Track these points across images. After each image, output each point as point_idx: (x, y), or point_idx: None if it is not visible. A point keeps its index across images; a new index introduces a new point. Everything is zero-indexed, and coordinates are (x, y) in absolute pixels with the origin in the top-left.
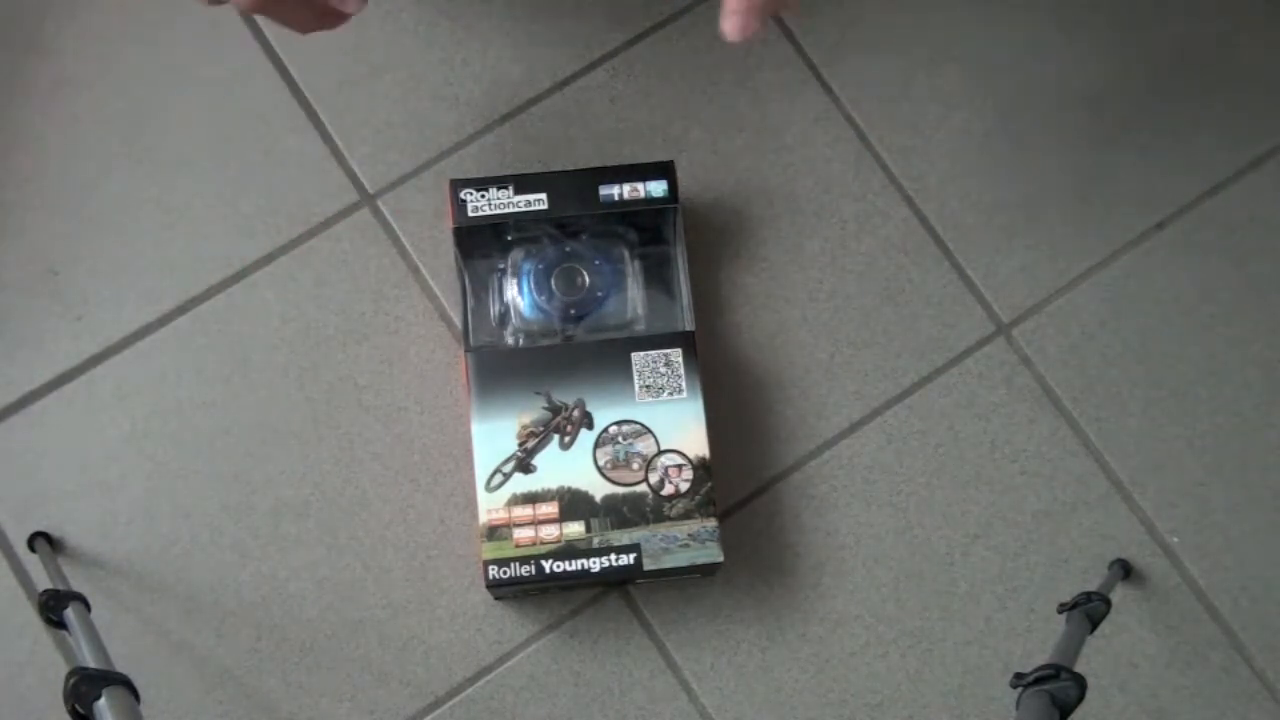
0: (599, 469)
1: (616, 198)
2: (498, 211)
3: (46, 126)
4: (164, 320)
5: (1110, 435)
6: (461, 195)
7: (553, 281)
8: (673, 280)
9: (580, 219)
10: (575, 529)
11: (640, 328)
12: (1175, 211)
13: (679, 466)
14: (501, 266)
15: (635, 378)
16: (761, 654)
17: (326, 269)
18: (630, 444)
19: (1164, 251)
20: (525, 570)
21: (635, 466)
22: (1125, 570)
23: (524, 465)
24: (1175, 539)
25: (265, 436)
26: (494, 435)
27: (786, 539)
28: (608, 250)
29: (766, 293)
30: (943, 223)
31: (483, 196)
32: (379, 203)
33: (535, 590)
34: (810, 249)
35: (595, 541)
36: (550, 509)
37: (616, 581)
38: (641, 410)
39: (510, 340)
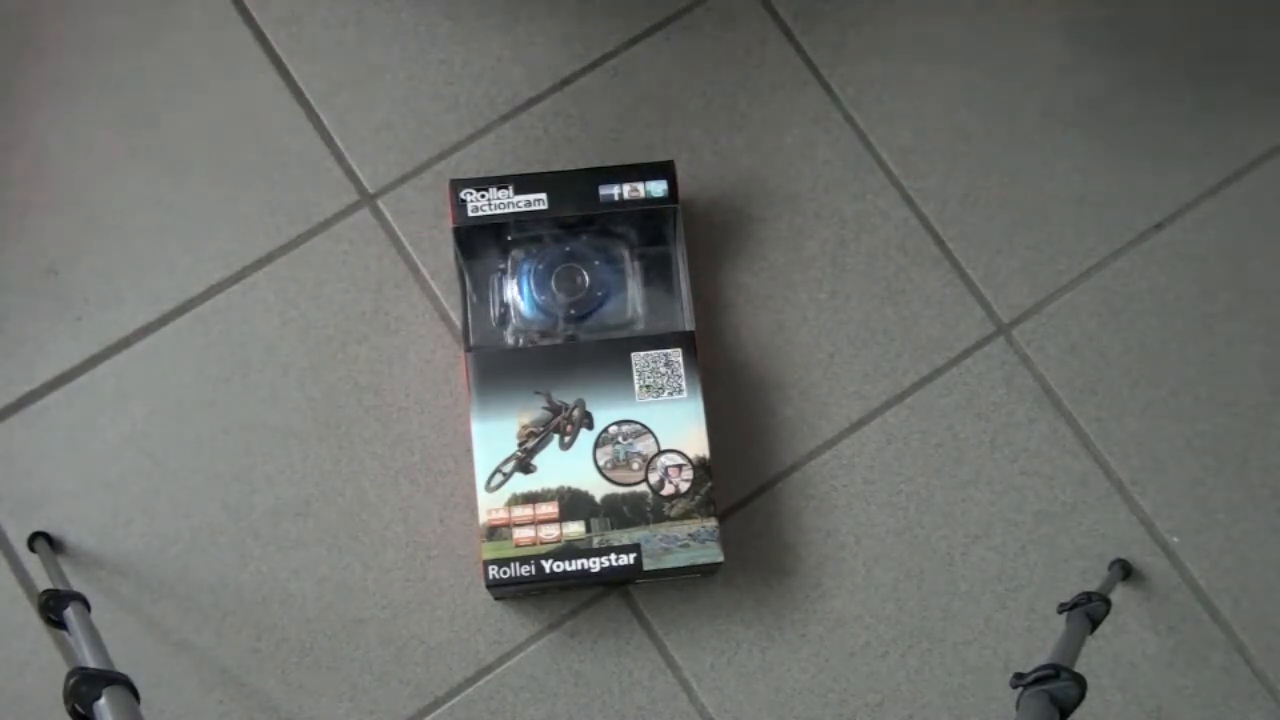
0: (599, 469)
1: (616, 198)
2: (498, 211)
3: (46, 126)
4: (164, 320)
5: (1110, 435)
6: (461, 195)
7: (553, 281)
8: (673, 280)
9: (580, 219)
10: (575, 529)
11: (640, 328)
12: (1175, 211)
13: (679, 466)
14: (501, 266)
15: (635, 378)
16: (761, 654)
17: (326, 269)
18: (630, 444)
19: (1164, 251)
20: (525, 570)
21: (635, 466)
22: (1125, 570)
23: (524, 465)
24: (1175, 539)
25: (265, 436)
26: (494, 435)
27: (786, 539)
28: (608, 250)
29: (766, 293)
30: (943, 223)
31: (483, 196)
32: (379, 203)
33: (535, 590)
34: (810, 249)
35: (595, 541)
36: (550, 509)
37: (616, 581)
38: (641, 410)
39: (510, 340)
